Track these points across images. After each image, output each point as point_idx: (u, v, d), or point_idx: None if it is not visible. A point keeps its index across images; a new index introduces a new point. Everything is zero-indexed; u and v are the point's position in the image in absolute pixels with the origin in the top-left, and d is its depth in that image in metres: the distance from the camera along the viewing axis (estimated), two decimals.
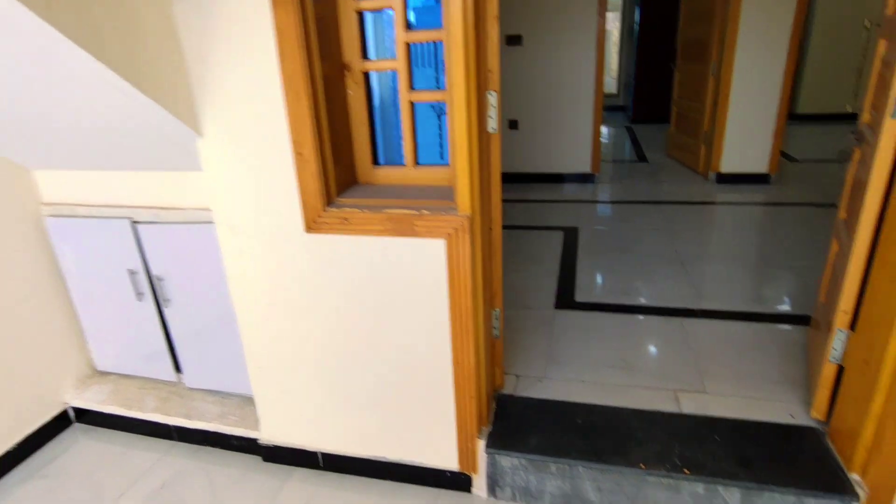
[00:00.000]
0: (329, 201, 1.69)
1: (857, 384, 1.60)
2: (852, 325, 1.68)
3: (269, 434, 2.08)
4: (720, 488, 1.65)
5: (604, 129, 8.18)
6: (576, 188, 4.92)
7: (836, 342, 1.71)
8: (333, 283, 1.76)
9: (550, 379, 2.20)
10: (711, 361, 2.24)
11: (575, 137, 4.94)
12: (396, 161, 1.84)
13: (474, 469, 1.91)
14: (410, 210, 1.60)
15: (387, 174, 1.82)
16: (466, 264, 1.59)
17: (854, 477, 1.61)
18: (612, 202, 4.58)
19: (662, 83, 7.65)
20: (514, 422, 1.95)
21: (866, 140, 1.74)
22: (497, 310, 1.98)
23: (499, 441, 1.86)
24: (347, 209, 1.66)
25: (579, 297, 2.88)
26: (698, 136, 5.01)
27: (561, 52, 4.66)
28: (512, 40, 4.70)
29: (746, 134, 4.61)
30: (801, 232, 3.63)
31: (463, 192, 1.54)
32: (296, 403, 1.99)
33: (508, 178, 5.13)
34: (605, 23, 4.55)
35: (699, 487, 1.67)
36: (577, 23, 4.55)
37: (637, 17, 8.04)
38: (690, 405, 1.98)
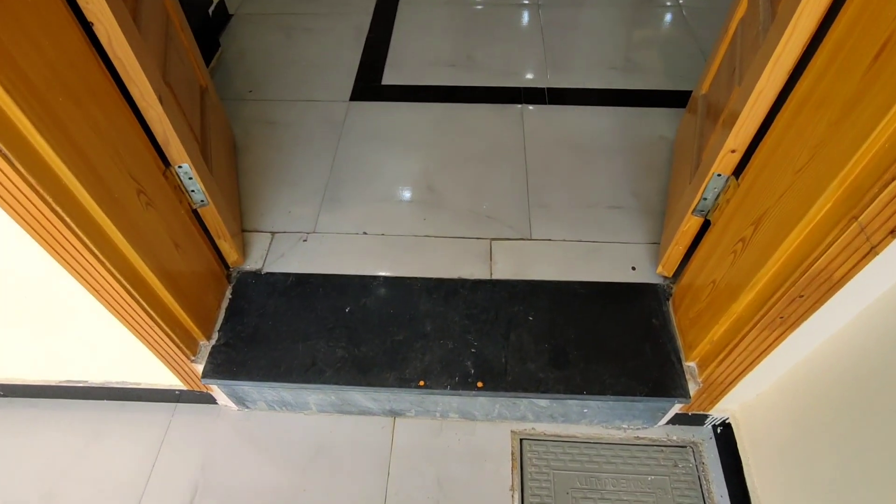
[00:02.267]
0: None
1: (722, 263, 1.06)
2: (737, 170, 1.05)
3: None
4: (522, 401, 1.23)
5: None
6: None
7: (709, 189, 1.10)
8: None
9: (320, 234, 1.50)
10: (548, 180, 1.61)
11: None
12: None
13: (207, 387, 1.34)
14: None
15: None
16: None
17: (690, 365, 1.22)
18: None
19: None
20: (252, 321, 1.31)
21: None
22: (183, 165, 1.11)
23: (223, 366, 1.25)
24: None
25: (389, 76, 1.98)
26: None
27: None
28: None
29: None
30: None
31: None
32: None
33: None
34: None
35: (498, 397, 1.23)
36: None
37: None
38: (506, 263, 1.42)
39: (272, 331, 1.30)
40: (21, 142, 0.72)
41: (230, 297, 1.36)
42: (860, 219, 0.72)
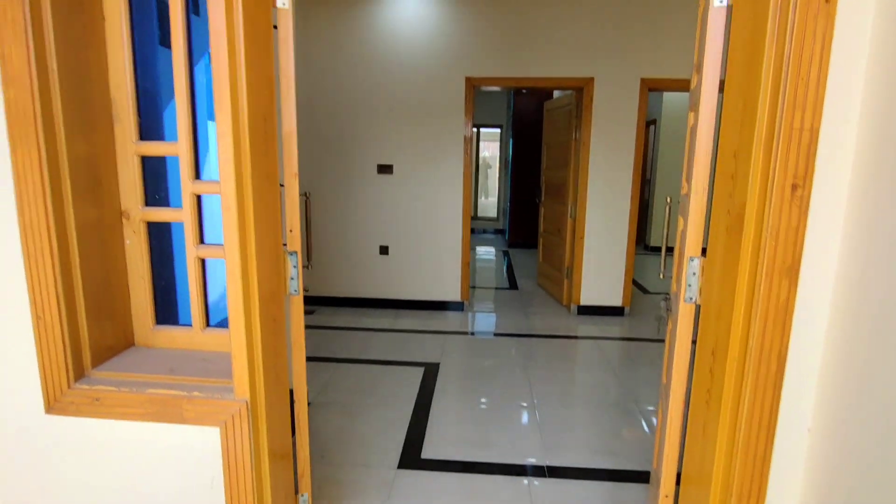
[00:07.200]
0: (79, 375, 1.36)
1: None
2: None
3: None
4: None
5: (483, 250, 8.51)
6: (444, 316, 4.85)
7: None
8: (83, 479, 1.37)
9: None
10: None
11: (444, 266, 4.97)
12: (186, 321, 1.57)
13: None
14: (179, 391, 1.32)
15: (170, 336, 1.53)
16: (246, 458, 1.31)
17: None
18: (478, 334, 4.52)
19: (534, 213, 8.24)
20: None
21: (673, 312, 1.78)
22: (304, 495, 1.67)
23: None
24: (101, 387, 1.34)
25: (427, 451, 2.63)
26: (562, 269, 5.28)
27: (429, 181, 4.81)
28: (383, 169, 4.79)
29: (602, 270, 4.92)
30: (649, 372, 3.75)
31: (240, 374, 1.30)
32: None
33: (377, 304, 4.97)
34: (471, 158, 4.80)
35: None
36: (445, 153, 4.76)
37: (510, 150, 8.78)
38: None
39: None
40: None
41: None
42: None
